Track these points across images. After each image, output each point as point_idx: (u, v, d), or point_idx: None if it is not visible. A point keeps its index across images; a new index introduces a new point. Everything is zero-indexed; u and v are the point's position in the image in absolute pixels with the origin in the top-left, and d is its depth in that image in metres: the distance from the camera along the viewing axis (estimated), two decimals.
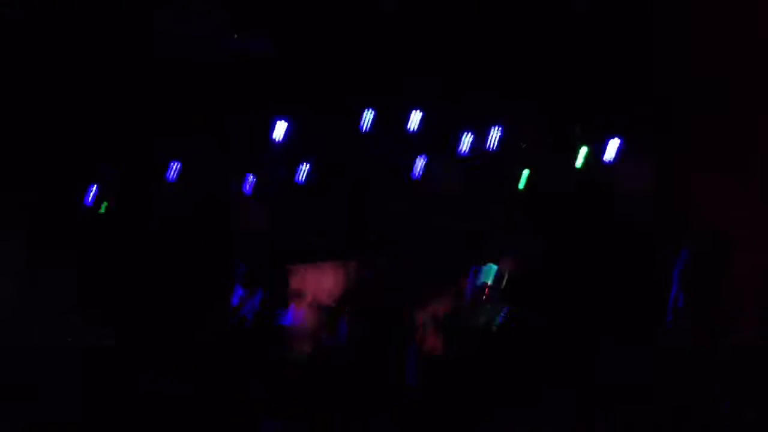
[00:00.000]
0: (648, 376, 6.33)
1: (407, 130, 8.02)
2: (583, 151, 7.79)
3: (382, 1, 6.87)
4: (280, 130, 8.08)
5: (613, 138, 7.65)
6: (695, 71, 6.84)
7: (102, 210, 9.27)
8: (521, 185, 8.25)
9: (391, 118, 8.03)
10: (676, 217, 7.05)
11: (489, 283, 7.61)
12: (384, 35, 7.30)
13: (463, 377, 7.31)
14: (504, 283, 7.46)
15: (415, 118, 7.87)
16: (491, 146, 7.93)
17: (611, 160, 7.66)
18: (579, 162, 7.88)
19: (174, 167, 8.86)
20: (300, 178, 8.73)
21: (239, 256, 8.33)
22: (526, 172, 8.19)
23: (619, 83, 7.29)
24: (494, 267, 7.61)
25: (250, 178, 8.94)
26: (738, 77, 6.71)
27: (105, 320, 8.84)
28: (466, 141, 7.98)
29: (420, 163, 8.34)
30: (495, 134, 7.77)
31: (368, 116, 7.89)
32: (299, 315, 9.01)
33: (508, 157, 8.06)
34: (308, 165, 8.66)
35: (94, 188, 9.14)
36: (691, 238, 6.50)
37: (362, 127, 8.03)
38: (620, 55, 7.09)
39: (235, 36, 6.93)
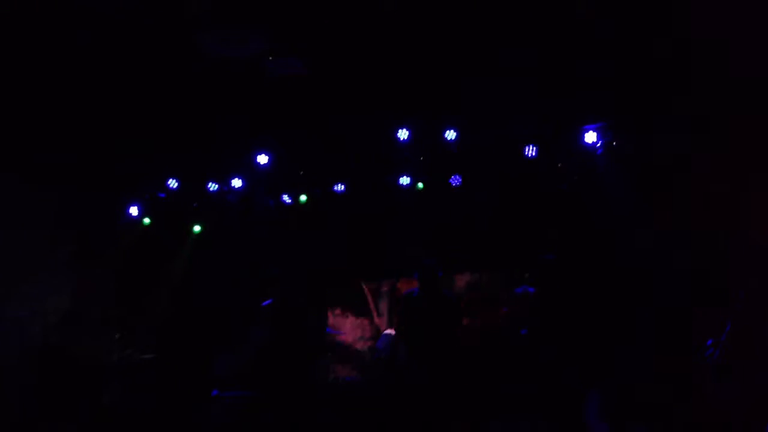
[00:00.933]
0: None
1: (443, 144, 8.01)
2: None
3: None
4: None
5: None
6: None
7: (146, 223, 9.48)
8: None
9: (427, 133, 8.03)
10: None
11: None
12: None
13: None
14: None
15: (450, 134, 7.84)
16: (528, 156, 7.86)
17: None
18: None
19: (212, 184, 9.01)
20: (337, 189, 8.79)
21: (274, 265, 8.39)
22: None
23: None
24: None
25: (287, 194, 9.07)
26: None
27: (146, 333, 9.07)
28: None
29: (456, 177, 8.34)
30: (530, 150, 7.70)
31: (403, 133, 7.89)
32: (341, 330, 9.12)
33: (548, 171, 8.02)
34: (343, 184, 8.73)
35: (137, 204, 9.33)
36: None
37: (398, 141, 8.04)
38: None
39: (270, 58, 6.98)
